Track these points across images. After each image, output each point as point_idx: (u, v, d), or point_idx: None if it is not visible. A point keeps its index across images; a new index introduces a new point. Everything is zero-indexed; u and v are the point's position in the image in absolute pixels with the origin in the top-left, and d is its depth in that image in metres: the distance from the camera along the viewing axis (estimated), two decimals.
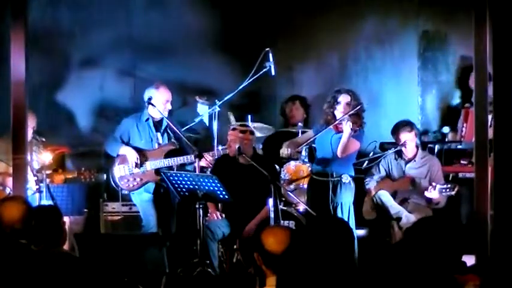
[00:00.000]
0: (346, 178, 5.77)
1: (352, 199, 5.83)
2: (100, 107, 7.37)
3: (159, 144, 6.31)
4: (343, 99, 5.82)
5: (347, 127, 5.64)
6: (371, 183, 6.47)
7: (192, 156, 6.07)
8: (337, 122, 5.73)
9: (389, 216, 6.24)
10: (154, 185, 6.30)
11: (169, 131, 6.32)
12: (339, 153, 5.70)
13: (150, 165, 6.23)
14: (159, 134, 6.34)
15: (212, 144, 6.62)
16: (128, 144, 6.26)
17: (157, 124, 6.33)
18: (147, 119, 6.30)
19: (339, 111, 5.80)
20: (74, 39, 7.34)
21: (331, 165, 5.74)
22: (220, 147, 6.29)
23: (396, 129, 6.45)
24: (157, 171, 6.23)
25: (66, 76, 7.34)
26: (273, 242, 3.35)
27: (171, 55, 7.47)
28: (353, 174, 5.90)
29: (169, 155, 6.25)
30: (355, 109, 5.72)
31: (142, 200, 6.33)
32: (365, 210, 6.47)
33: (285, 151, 6.03)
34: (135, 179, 6.25)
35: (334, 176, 5.76)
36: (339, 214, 5.66)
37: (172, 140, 6.31)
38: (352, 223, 5.69)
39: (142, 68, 7.38)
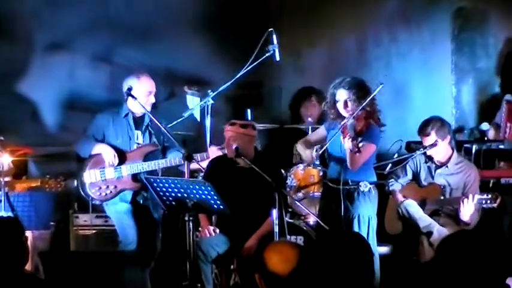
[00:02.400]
0: (364, 186, 5.67)
1: (374, 211, 5.74)
2: (70, 100, 7.36)
3: (138, 144, 6.27)
4: (340, 96, 5.64)
5: (347, 143, 5.44)
6: (395, 186, 6.45)
7: (177, 159, 6.05)
8: (340, 127, 5.58)
9: (417, 230, 6.20)
10: (131, 193, 6.26)
11: (151, 129, 6.27)
12: (349, 166, 5.57)
13: (126, 169, 6.18)
14: (139, 133, 6.28)
15: (205, 144, 6.60)
16: (102, 142, 6.23)
17: (138, 120, 6.29)
18: (126, 114, 6.25)
19: (342, 110, 5.65)
20: (39, 19, 7.32)
21: (345, 170, 5.64)
22: (214, 148, 6.25)
23: (420, 130, 6.37)
24: (136, 177, 6.20)
25: (29, 63, 7.33)
26: (278, 262, 3.33)
27: (155, 38, 7.47)
28: (374, 179, 5.81)
29: (149, 158, 6.20)
30: (357, 111, 5.48)
31: (118, 212, 6.27)
32: (388, 220, 6.43)
33: (308, 155, 5.91)
34: (108, 186, 6.19)
35: (350, 183, 5.69)
36: (355, 228, 5.59)
37: (154, 140, 6.24)
38: (372, 239, 5.63)
39: (120, 53, 7.38)
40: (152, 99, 6.20)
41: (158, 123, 6.01)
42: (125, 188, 6.19)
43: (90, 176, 6.17)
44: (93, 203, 6.39)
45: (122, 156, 6.19)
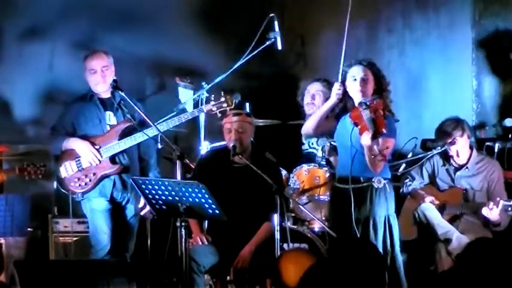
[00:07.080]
0: (378, 182, 5.58)
1: (392, 209, 5.66)
2: (48, 92, 7.37)
3: (110, 126, 6.35)
4: (351, 73, 5.58)
5: (366, 138, 5.30)
6: (413, 185, 6.47)
7: (151, 131, 6.05)
8: (350, 112, 5.51)
9: (435, 237, 6.23)
10: (112, 186, 6.30)
11: (123, 107, 6.32)
12: (371, 169, 5.45)
13: (102, 153, 6.26)
14: (111, 113, 6.36)
15: (198, 142, 6.62)
16: (73, 134, 6.30)
17: (107, 101, 6.36)
18: (91, 97, 6.35)
19: (351, 91, 5.57)
20: (13, 2, 7.34)
21: (354, 167, 5.55)
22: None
23: (439, 134, 6.38)
24: (114, 159, 6.27)
25: (2, 51, 7.34)
26: (294, 272, 3.32)
27: (142, 23, 7.48)
28: (389, 176, 5.69)
29: (126, 135, 6.24)
30: (371, 100, 5.38)
31: (92, 210, 6.32)
32: (402, 225, 6.44)
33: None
34: (86, 175, 6.27)
35: (362, 180, 5.61)
36: (371, 232, 5.53)
37: (128, 116, 6.29)
38: (396, 241, 5.57)
39: (103, 40, 7.38)
40: (108, 75, 6.27)
41: (128, 99, 6.09)
42: (104, 174, 6.27)
43: (66, 169, 6.29)
44: (73, 197, 6.37)
45: (94, 142, 6.25)
